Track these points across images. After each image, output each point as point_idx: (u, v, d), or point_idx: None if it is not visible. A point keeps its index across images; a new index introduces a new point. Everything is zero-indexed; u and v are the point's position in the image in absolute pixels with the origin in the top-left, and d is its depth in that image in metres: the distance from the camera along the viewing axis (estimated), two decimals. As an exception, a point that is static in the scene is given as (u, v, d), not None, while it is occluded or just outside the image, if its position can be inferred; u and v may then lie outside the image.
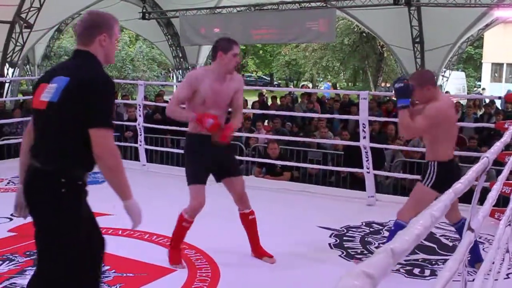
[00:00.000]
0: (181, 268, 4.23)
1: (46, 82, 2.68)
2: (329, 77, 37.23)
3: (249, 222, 4.49)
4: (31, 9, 15.51)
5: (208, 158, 4.23)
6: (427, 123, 4.03)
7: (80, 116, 2.56)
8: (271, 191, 6.79)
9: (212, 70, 4.22)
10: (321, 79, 38.57)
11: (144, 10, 19.23)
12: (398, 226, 4.15)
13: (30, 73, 23.01)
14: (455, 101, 10.32)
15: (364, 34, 29.69)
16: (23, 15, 15.52)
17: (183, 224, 4.29)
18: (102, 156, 2.58)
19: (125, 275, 4.03)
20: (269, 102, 14.64)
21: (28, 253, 4.43)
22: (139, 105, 7.78)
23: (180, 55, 21.99)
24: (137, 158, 8.29)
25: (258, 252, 4.49)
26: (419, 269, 4.36)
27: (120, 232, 4.97)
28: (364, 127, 6.31)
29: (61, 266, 2.61)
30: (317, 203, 6.33)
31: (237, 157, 8.56)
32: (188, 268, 4.21)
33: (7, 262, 4.25)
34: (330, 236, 5.14)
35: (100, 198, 5.63)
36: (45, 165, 2.61)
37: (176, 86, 23.29)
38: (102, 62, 2.74)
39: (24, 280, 3.89)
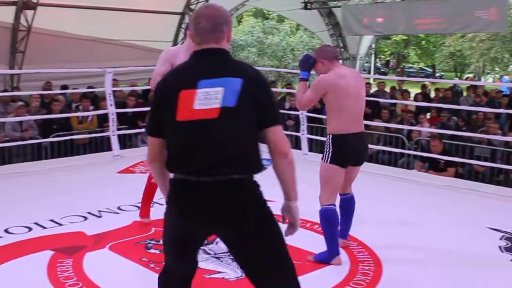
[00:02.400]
0: (147, 221, 4.83)
1: (191, 88, 2.38)
2: (497, 69, 35.06)
3: None
4: (200, 0, 16.26)
5: None
6: (312, 93, 4.14)
7: (257, 116, 2.41)
8: (434, 187, 6.53)
9: (185, 48, 4.53)
10: (488, 71, 36.46)
11: (306, 0, 19.32)
12: (323, 214, 4.12)
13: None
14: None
15: (539, 24, 27.53)
16: (192, 7, 16.31)
17: (152, 181, 4.72)
18: (287, 153, 2.46)
19: (287, 262, 4.07)
20: (432, 95, 14.09)
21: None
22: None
23: (341, 45, 21.84)
24: (297, 147, 8.38)
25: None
26: None
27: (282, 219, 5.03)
28: (543, 124, 5.84)
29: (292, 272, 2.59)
30: (485, 202, 5.97)
31: (399, 150, 8.42)
32: (350, 260, 4.16)
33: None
34: (501, 239, 4.82)
35: (265, 183, 5.76)
36: (238, 174, 2.39)
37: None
38: None
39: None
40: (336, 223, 4.17)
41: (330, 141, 4.14)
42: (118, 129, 8.02)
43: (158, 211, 5.19)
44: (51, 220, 4.93)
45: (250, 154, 2.44)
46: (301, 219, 4.80)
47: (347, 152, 4.16)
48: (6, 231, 4.65)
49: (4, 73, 13.04)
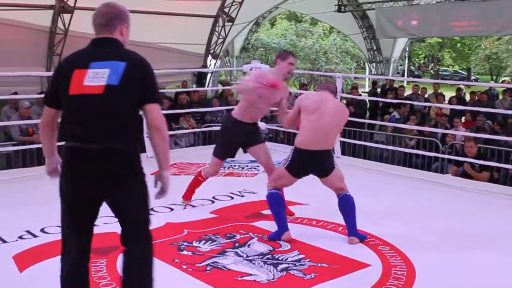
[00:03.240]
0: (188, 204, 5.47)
1: (83, 68, 2.84)
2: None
3: None
4: (233, 3, 16.32)
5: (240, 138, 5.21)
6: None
7: (139, 95, 2.85)
8: (469, 192, 6.44)
9: (275, 72, 5.05)
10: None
11: (340, 3, 19.25)
12: (268, 197, 4.71)
13: (229, 64, 24.26)
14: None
15: None
16: (226, 10, 16.39)
17: (199, 179, 5.45)
18: (160, 128, 2.88)
19: (319, 265, 4.07)
20: (467, 98, 13.92)
21: (228, 235, 4.66)
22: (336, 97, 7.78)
23: (375, 48, 21.73)
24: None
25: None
26: None
27: (314, 223, 5.04)
28: None
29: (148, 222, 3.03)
30: (521, 208, 5.87)
31: (433, 154, 8.32)
32: (382, 264, 4.13)
33: (210, 242, 4.51)
34: (537, 245, 4.73)
35: (293, 187, 5.77)
36: (114, 143, 2.81)
37: (369, 79, 23.09)
38: None
39: (225, 260, 4.11)
40: (279, 203, 4.70)
41: (292, 153, 4.67)
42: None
43: (190, 214, 5.25)
44: (86, 221, 4.99)
45: (130, 127, 2.87)
46: (334, 222, 4.84)
47: (303, 166, 4.65)
48: (42, 230, 4.73)
49: (40, 75, 13.28)
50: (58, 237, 4.52)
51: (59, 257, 4.08)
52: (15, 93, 9.93)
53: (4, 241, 4.51)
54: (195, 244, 4.46)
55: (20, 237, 4.59)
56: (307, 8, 22.42)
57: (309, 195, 5.70)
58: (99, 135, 2.79)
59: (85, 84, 2.80)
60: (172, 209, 5.38)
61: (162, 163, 2.96)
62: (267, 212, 5.28)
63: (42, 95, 10.42)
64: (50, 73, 13.33)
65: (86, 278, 3.06)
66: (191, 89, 12.82)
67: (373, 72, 22.43)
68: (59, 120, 3.00)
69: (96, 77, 2.80)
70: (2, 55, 12.12)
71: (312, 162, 4.60)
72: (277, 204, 4.67)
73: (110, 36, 2.96)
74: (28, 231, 4.71)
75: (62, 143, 2.91)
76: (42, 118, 3.06)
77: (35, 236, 4.63)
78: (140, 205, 2.97)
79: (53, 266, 4.00)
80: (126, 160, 2.87)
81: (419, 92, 13.08)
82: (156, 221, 4.97)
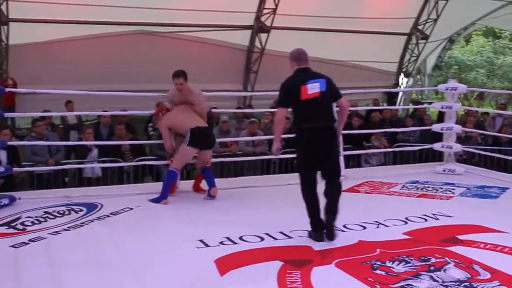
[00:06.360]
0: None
1: (304, 84, 4.95)
2: None
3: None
4: (428, 20, 15.94)
5: None
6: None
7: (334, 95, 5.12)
8: None
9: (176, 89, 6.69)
10: None
11: (545, 18, 17.91)
12: (170, 172, 6.47)
13: (420, 82, 23.64)
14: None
15: None
16: (420, 27, 16.05)
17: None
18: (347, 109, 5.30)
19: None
20: None
21: (423, 258, 4.53)
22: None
23: None
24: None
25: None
26: None
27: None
28: None
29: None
30: None
31: None
32: None
33: (403, 263, 4.42)
34: None
35: (496, 213, 5.47)
36: (328, 123, 5.04)
37: None
38: None
39: (420, 283, 4.01)
40: (172, 179, 6.49)
41: (189, 133, 6.34)
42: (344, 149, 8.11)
43: (382, 233, 5.20)
44: (281, 232, 5.18)
45: (332, 114, 5.16)
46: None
47: (200, 139, 6.45)
48: (241, 238, 5.00)
49: (237, 95, 14.10)
50: (256, 245, 4.80)
51: (257, 264, 4.35)
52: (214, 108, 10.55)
53: (207, 245, 4.84)
54: (388, 264, 4.40)
55: (221, 243, 4.88)
56: (507, 24, 21.12)
57: (509, 223, 5.37)
58: (320, 119, 4.95)
59: (310, 92, 4.94)
60: (364, 227, 5.37)
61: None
62: (464, 237, 5.08)
63: (238, 110, 11.04)
64: (245, 93, 14.18)
65: None
66: (383, 107, 12.67)
67: None
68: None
69: (314, 88, 4.96)
70: (204, 71, 13.03)
71: (206, 133, 6.53)
72: (171, 180, 6.44)
73: (308, 66, 5.13)
74: (227, 238, 5.00)
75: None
76: (280, 115, 5.11)
77: (234, 243, 4.90)
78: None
79: (251, 272, 4.22)
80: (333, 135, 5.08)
81: None
82: (348, 238, 5.05)
